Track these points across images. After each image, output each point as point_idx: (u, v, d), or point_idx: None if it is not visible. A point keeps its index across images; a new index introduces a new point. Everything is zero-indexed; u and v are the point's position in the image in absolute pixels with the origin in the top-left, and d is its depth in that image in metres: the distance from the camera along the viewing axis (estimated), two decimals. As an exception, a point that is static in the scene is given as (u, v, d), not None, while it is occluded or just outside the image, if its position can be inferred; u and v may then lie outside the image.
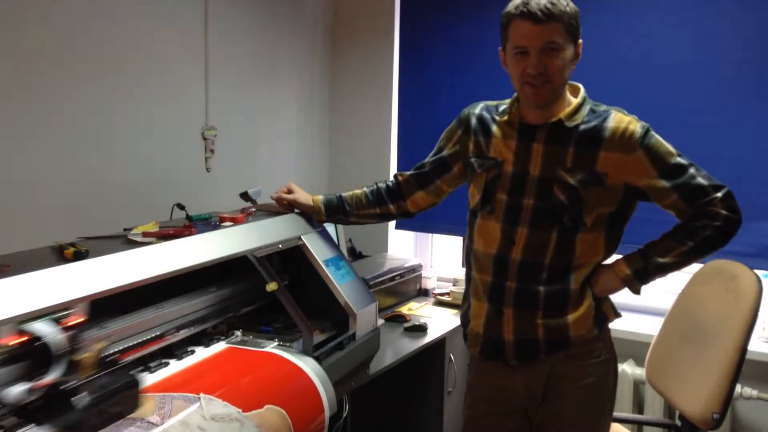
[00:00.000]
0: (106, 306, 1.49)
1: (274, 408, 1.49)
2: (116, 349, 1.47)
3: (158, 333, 1.59)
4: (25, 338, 1.21)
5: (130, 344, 1.51)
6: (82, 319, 1.30)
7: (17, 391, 1.17)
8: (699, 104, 2.61)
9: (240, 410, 1.41)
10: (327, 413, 1.66)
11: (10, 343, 1.20)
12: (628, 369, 2.64)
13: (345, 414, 1.95)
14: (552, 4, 1.53)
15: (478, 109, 1.79)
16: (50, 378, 1.20)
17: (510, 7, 1.59)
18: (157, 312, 1.61)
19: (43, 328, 1.22)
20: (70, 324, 1.26)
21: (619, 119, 1.62)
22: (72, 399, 1.22)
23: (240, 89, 2.86)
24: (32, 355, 1.22)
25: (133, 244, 1.58)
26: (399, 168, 3.28)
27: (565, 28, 1.55)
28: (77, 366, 1.24)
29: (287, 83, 3.14)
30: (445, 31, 3.13)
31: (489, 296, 1.71)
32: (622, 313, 1.82)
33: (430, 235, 3.38)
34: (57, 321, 1.25)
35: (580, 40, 1.61)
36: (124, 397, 1.31)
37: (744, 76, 2.53)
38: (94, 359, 1.28)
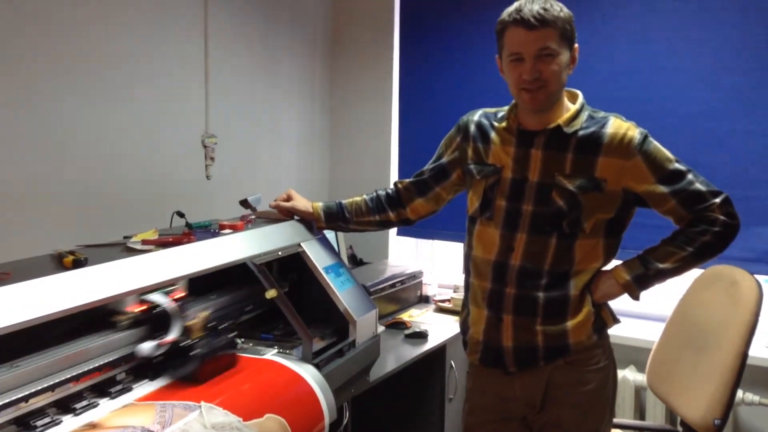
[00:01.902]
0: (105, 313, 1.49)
1: (274, 417, 1.48)
2: (111, 359, 1.47)
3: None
4: (146, 307, 1.55)
5: (124, 354, 1.51)
6: (184, 294, 1.64)
7: (149, 346, 1.49)
8: (697, 110, 2.61)
9: (240, 419, 1.41)
10: (327, 421, 1.65)
11: (136, 310, 1.54)
12: (629, 375, 2.64)
13: (345, 421, 1.94)
14: (545, 9, 1.54)
15: (476, 116, 1.79)
16: (172, 336, 1.53)
17: (504, 14, 1.60)
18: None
19: (160, 298, 1.55)
20: (177, 297, 1.61)
21: (617, 125, 1.62)
22: (190, 354, 1.52)
23: (240, 97, 2.86)
24: (151, 321, 1.56)
25: (133, 251, 1.58)
26: (400, 174, 3.29)
27: (559, 34, 1.56)
28: (189, 329, 1.56)
29: (287, 90, 3.14)
30: (445, 35, 3.14)
31: (488, 303, 1.71)
32: (623, 320, 1.82)
33: (430, 241, 3.38)
34: (166, 294, 1.58)
35: (576, 45, 1.62)
36: (227, 354, 1.62)
37: (743, 82, 2.53)
38: (201, 324, 1.60)
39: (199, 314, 1.61)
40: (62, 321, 1.33)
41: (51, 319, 1.28)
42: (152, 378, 1.53)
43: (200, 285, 1.75)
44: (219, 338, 1.62)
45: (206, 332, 1.61)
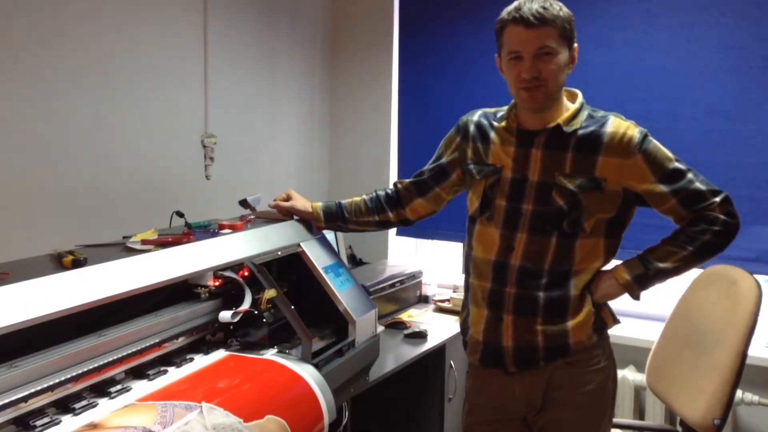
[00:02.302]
0: (104, 314, 1.49)
1: (274, 418, 1.48)
2: (113, 358, 1.47)
3: (157, 341, 1.59)
4: (220, 281, 1.80)
5: (129, 352, 1.51)
6: (249, 273, 1.80)
7: (229, 313, 1.70)
8: (697, 110, 2.61)
9: (241, 420, 1.41)
10: (326, 420, 1.65)
11: (215, 284, 1.80)
12: (628, 375, 2.64)
13: (345, 421, 1.94)
14: (544, 8, 1.54)
15: (476, 116, 1.79)
16: (246, 306, 1.73)
17: (503, 13, 1.60)
18: (156, 320, 1.61)
19: (233, 275, 1.78)
20: (245, 274, 1.80)
21: (617, 124, 1.62)
22: (262, 320, 1.76)
23: (240, 97, 2.86)
24: (225, 294, 1.80)
25: (132, 251, 1.58)
26: (399, 174, 3.29)
27: (559, 33, 1.56)
28: (258, 301, 1.75)
29: (287, 90, 3.14)
30: (445, 35, 3.14)
31: (488, 303, 1.71)
32: (623, 319, 1.82)
33: (430, 241, 3.38)
34: (236, 271, 1.79)
35: (576, 44, 1.62)
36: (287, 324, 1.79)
37: (743, 82, 2.53)
38: (266, 299, 1.75)
39: (266, 291, 1.76)
40: (72, 318, 1.35)
41: (50, 320, 1.28)
42: (227, 340, 1.76)
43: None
44: (279, 311, 1.79)
45: (270, 305, 1.77)
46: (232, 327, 1.77)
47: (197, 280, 1.76)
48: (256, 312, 1.74)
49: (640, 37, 2.70)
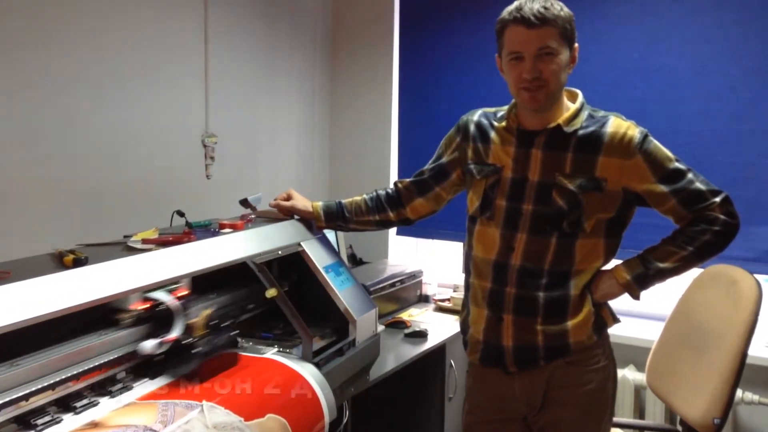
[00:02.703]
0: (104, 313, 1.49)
1: (275, 417, 1.49)
2: (114, 357, 1.47)
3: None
4: (149, 305, 1.54)
5: (126, 352, 1.51)
6: (188, 291, 1.61)
7: (152, 344, 1.48)
8: (698, 110, 2.61)
9: (242, 419, 1.41)
10: (327, 419, 1.65)
11: (139, 308, 1.53)
12: (628, 374, 2.64)
13: (345, 420, 1.95)
14: (545, 8, 1.54)
15: (476, 115, 1.79)
16: (174, 335, 1.51)
17: (504, 13, 1.60)
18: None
19: (163, 296, 1.54)
20: (180, 295, 1.58)
21: (617, 124, 1.62)
22: (192, 352, 1.52)
23: (240, 96, 2.87)
24: (154, 319, 1.55)
25: (133, 250, 1.58)
26: (399, 174, 3.29)
27: (560, 33, 1.56)
28: (191, 327, 1.54)
29: (287, 90, 3.15)
30: (445, 34, 3.14)
31: (488, 302, 1.71)
32: (623, 319, 1.82)
33: (430, 241, 3.38)
34: (169, 292, 1.56)
35: (576, 44, 1.62)
36: (229, 352, 1.64)
37: (743, 82, 2.53)
38: (203, 323, 1.57)
39: (202, 312, 1.60)
40: (64, 319, 1.33)
41: (51, 318, 1.28)
42: (153, 377, 1.52)
43: (200, 284, 1.75)
44: (221, 336, 1.61)
45: (208, 330, 1.59)
46: (157, 359, 1.54)
47: (121, 303, 1.51)
48: (188, 341, 1.54)
49: (641, 36, 2.70)
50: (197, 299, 1.67)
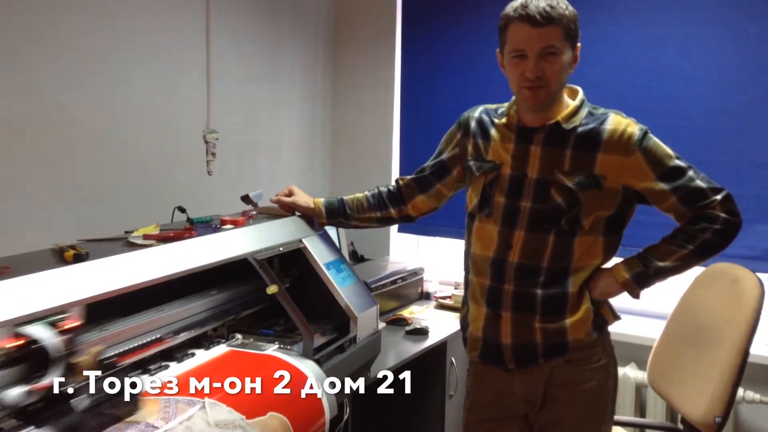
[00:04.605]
0: (106, 309, 1.49)
1: (276, 415, 1.48)
2: (115, 352, 1.47)
3: (158, 336, 1.59)
4: (22, 342, 1.22)
5: (130, 347, 1.51)
6: (78, 323, 1.31)
7: (16, 393, 1.19)
8: (700, 108, 2.61)
9: (243, 417, 1.41)
10: (327, 416, 1.65)
11: (7, 346, 1.21)
12: (629, 372, 2.64)
13: (346, 417, 1.94)
14: (551, 7, 1.52)
15: (477, 112, 1.79)
16: (48, 380, 1.22)
17: (508, 9, 1.58)
18: (157, 315, 1.61)
19: (39, 331, 1.23)
20: (66, 327, 1.28)
21: (617, 122, 1.61)
22: (71, 401, 1.23)
23: (242, 92, 2.86)
24: (30, 358, 1.23)
25: (134, 246, 1.58)
26: (401, 171, 3.29)
27: (564, 32, 1.54)
28: (75, 369, 1.26)
29: (289, 86, 3.14)
30: (447, 31, 3.13)
31: (487, 300, 1.71)
32: (624, 317, 1.82)
33: (432, 238, 3.38)
34: (53, 324, 1.26)
35: (579, 44, 1.61)
36: (123, 401, 1.32)
37: (745, 80, 2.53)
38: (92, 362, 1.30)
39: (91, 349, 1.33)
40: None
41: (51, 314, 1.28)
42: (37, 426, 1.23)
43: (201, 281, 1.74)
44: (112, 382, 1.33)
45: (98, 372, 1.31)
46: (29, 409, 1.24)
47: None
48: (65, 389, 1.25)
49: (642, 33, 2.69)
50: (91, 331, 1.42)
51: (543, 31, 1.53)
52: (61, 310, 1.29)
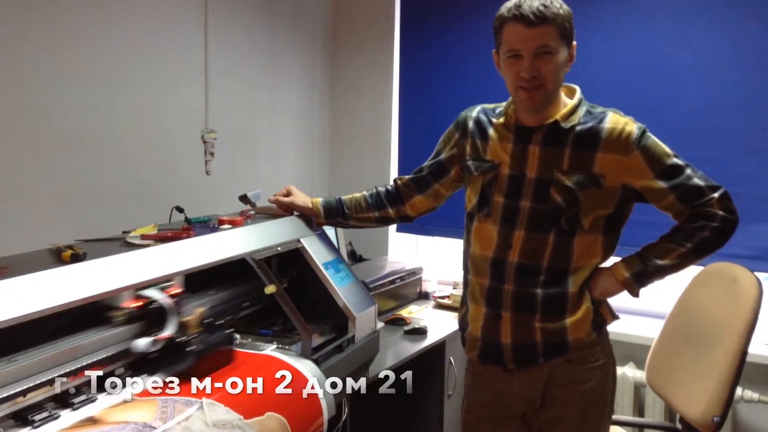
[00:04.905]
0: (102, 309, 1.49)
1: (274, 415, 1.48)
2: (113, 353, 1.46)
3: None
4: (142, 302, 1.52)
5: (126, 348, 1.50)
6: (181, 290, 1.59)
7: (145, 342, 1.47)
8: (698, 107, 2.61)
9: (241, 417, 1.41)
10: (326, 416, 1.65)
11: (132, 306, 1.51)
12: (628, 372, 2.64)
13: (344, 417, 1.94)
14: (545, 6, 1.52)
15: (475, 112, 1.79)
16: (168, 332, 1.50)
17: (503, 9, 1.58)
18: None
19: (156, 294, 1.53)
20: (173, 293, 1.56)
21: (615, 120, 1.61)
22: (186, 350, 1.51)
23: (240, 92, 2.86)
24: (147, 317, 1.53)
25: (131, 246, 1.58)
26: (399, 171, 3.28)
27: (559, 32, 1.54)
28: (185, 325, 1.53)
29: (287, 86, 3.14)
30: (446, 32, 3.13)
31: (486, 300, 1.71)
32: (622, 316, 1.82)
33: (430, 238, 3.38)
34: (162, 290, 1.55)
35: (575, 42, 1.61)
36: (223, 350, 1.62)
37: (744, 79, 2.53)
38: (197, 320, 1.56)
39: (196, 310, 1.59)
40: (56, 317, 1.32)
41: (49, 314, 1.28)
42: (151, 373, 1.50)
43: (199, 280, 1.74)
44: (215, 334, 1.59)
45: (202, 328, 1.58)
46: (151, 357, 1.52)
47: (113, 301, 1.51)
48: (181, 339, 1.53)
49: (641, 32, 2.69)
50: (191, 297, 1.67)
51: (537, 30, 1.53)
52: (60, 310, 1.29)
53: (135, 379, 1.49)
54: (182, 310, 1.56)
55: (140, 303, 1.52)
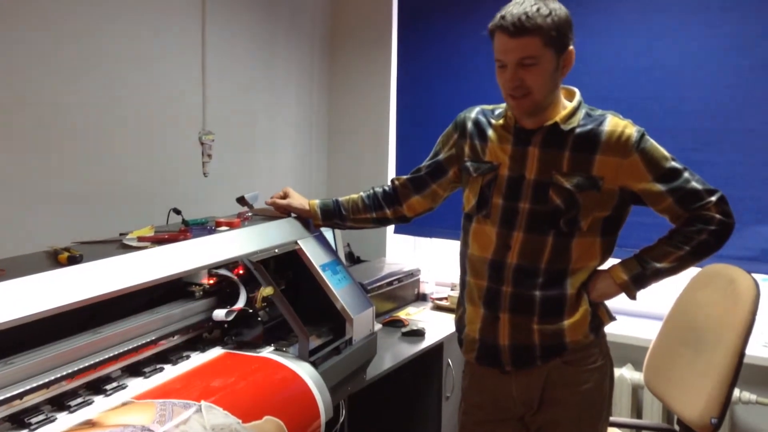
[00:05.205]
0: (99, 311, 1.48)
1: (272, 419, 1.48)
2: (110, 355, 1.46)
3: (153, 338, 1.59)
4: (215, 280, 1.77)
5: (125, 349, 1.50)
6: (243, 271, 1.78)
7: (223, 311, 1.71)
8: (697, 109, 2.61)
9: (240, 421, 1.40)
10: (323, 419, 1.64)
11: (210, 282, 1.77)
12: (626, 373, 2.64)
13: (342, 419, 1.94)
14: (527, 16, 1.50)
15: (474, 113, 1.79)
16: (240, 305, 1.73)
17: (493, 18, 1.58)
18: (152, 317, 1.60)
19: (228, 273, 1.76)
20: (240, 272, 1.78)
21: (614, 123, 1.61)
22: (257, 318, 1.74)
23: (238, 94, 2.86)
24: (220, 293, 1.79)
25: (128, 248, 1.57)
26: (397, 172, 3.28)
27: (543, 41, 1.52)
28: (253, 300, 1.75)
29: (285, 88, 3.14)
30: (443, 32, 3.14)
31: (485, 301, 1.71)
32: (620, 318, 1.82)
33: (428, 239, 3.38)
34: (230, 270, 1.77)
35: (571, 48, 1.59)
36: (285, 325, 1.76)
37: (742, 81, 2.53)
38: (261, 297, 1.74)
39: (261, 289, 1.75)
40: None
41: (45, 317, 1.27)
42: (222, 343, 1.73)
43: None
44: (274, 310, 1.77)
45: (264, 304, 1.76)
46: (226, 326, 1.75)
47: (192, 278, 1.73)
48: (251, 311, 1.74)
49: (638, 34, 2.69)
50: (251, 278, 1.81)
51: (518, 41, 1.52)
52: (56, 312, 1.29)
53: (132, 380, 1.49)
54: (248, 287, 1.77)
55: (214, 281, 1.77)
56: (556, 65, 1.57)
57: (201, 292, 1.75)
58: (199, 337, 1.75)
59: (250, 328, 1.76)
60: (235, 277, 1.76)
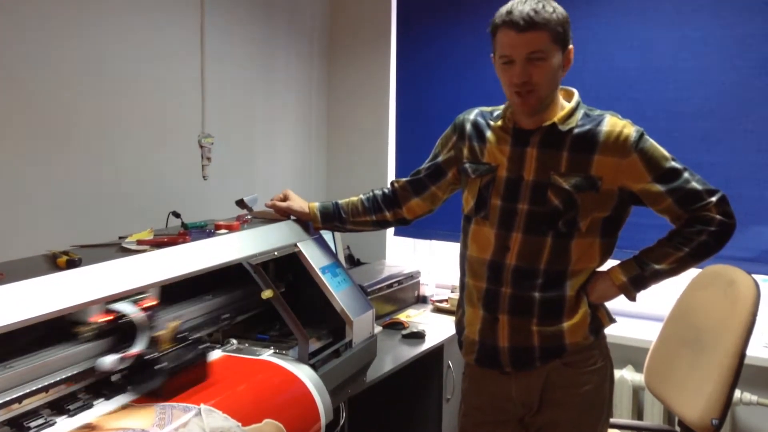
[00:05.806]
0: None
1: (272, 422, 1.48)
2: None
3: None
4: (112, 317, 1.43)
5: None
6: (155, 302, 1.51)
7: (111, 360, 1.38)
8: (696, 109, 2.61)
9: (240, 424, 1.40)
10: (323, 422, 1.65)
11: (100, 321, 1.41)
12: (626, 375, 2.63)
13: (342, 422, 1.94)
14: (535, 11, 1.51)
15: (472, 114, 1.79)
16: (137, 349, 1.42)
17: (496, 15, 1.58)
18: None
19: (126, 307, 1.44)
20: (145, 306, 1.48)
21: (613, 123, 1.61)
22: (155, 368, 1.42)
23: (237, 97, 2.86)
24: (117, 332, 1.45)
25: (127, 252, 1.57)
26: (397, 174, 3.28)
27: (551, 36, 1.54)
28: (157, 341, 1.47)
29: (284, 91, 3.14)
30: (442, 33, 3.14)
31: (484, 303, 1.70)
32: (620, 319, 1.82)
33: (428, 241, 3.38)
34: (134, 303, 1.46)
35: (571, 46, 1.60)
36: (197, 367, 1.52)
37: (741, 81, 2.53)
38: (170, 335, 1.50)
39: (169, 324, 1.52)
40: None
41: (45, 320, 1.27)
42: (109, 396, 1.42)
43: (196, 286, 1.74)
44: (187, 351, 1.52)
45: (176, 344, 1.52)
46: (120, 375, 1.46)
47: (78, 316, 1.40)
48: (151, 356, 1.45)
49: (637, 35, 2.70)
50: (166, 309, 1.60)
51: (528, 36, 1.53)
52: (53, 316, 1.29)
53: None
54: (155, 324, 1.48)
55: (110, 317, 1.43)
56: (561, 62, 1.58)
57: (90, 334, 1.42)
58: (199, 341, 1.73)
59: (150, 377, 1.43)
60: (138, 312, 1.46)
